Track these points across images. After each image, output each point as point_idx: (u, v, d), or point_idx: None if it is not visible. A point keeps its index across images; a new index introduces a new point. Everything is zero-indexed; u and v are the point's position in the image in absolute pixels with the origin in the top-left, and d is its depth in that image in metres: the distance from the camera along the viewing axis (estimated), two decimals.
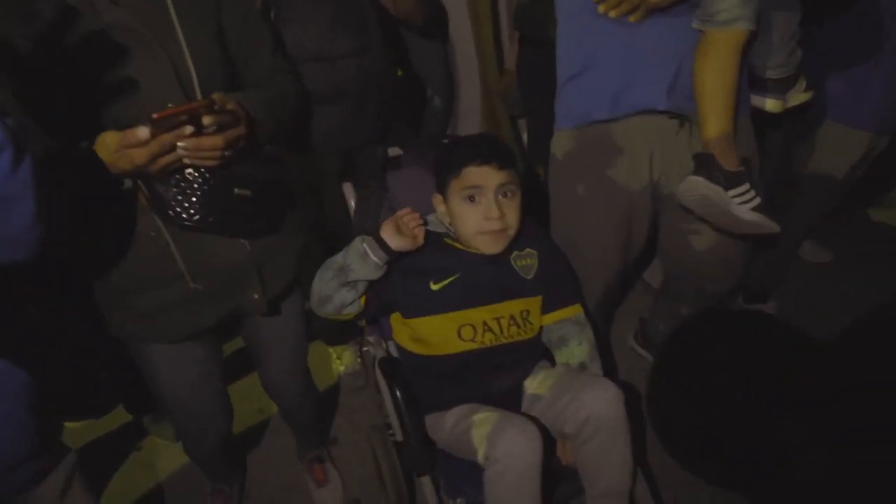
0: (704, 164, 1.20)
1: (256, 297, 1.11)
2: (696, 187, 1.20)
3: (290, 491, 1.64)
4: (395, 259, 1.18)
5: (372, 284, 1.20)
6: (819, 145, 1.68)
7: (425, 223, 1.25)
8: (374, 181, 1.40)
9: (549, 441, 1.25)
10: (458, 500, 1.19)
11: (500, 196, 1.20)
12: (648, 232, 1.46)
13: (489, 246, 1.22)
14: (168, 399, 1.19)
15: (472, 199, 1.20)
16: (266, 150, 1.04)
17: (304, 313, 1.31)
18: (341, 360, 1.98)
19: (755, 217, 1.19)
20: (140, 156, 0.83)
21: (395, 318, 1.31)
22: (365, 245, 1.16)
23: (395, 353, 1.37)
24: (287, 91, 1.08)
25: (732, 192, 1.19)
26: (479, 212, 1.20)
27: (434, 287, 1.23)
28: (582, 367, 1.32)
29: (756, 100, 1.38)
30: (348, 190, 1.45)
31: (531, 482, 1.09)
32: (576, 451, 1.21)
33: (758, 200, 1.20)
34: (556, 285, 1.34)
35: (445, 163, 1.24)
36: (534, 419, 1.18)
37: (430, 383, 1.29)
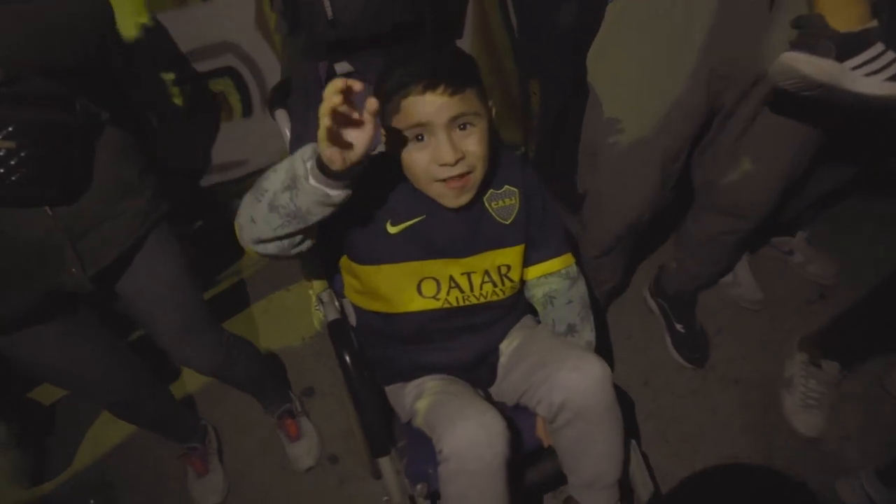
0: (808, 31, 0.81)
1: (74, 271, 0.83)
2: (794, 67, 0.81)
3: (264, 447, 1.46)
4: (359, 173, 0.77)
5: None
6: None
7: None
8: (315, 104, 1.06)
9: (524, 422, 1.01)
10: (419, 487, 0.96)
11: (456, 130, 0.85)
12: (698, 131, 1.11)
13: (451, 199, 0.88)
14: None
15: (419, 137, 0.85)
16: (43, 86, 0.73)
17: (179, 272, 1.01)
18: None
19: (892, 90, 0.79)
20: None
21: (344, 266, 1.03)
22: (319, 186, 0.74)
23: (351, 312, 1.10)
24: (65, 8, 0.74)
25: (853, 62, 0.79)
26: (431, 154, 0.85)
27: (392, 230, 0.93)
28: (570, 330, 1.04)
29: None
30: (282, 117, 1.12)
31: (492, 484, 0.85)
32: (552, 435, 0.97)
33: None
34: (542, 231, 1.02)
35: (380, 92, 0.86)
36: (500, 403, 0.92)
37: (387, 347, 1.03)
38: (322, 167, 0.73)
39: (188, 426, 1.35)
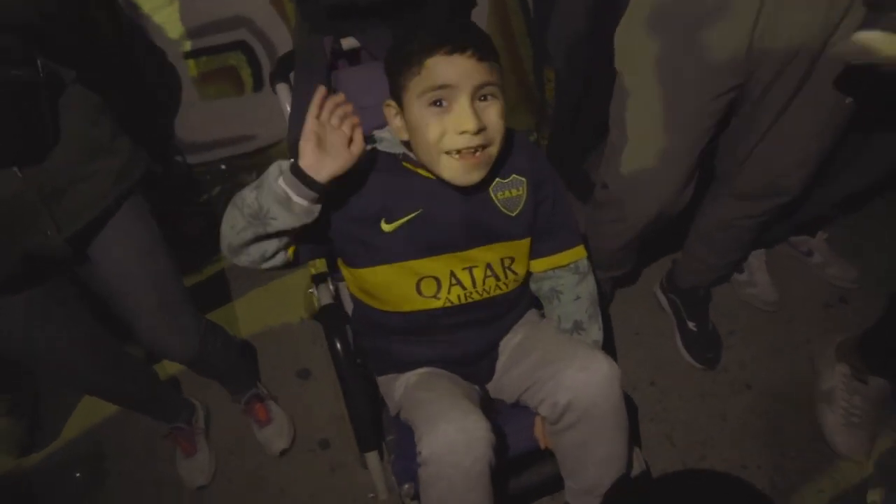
0: (882, 9, 0.78)
1: (49, 234, 0.78)
2: (872, 47, 0.77)
3: (245, 430, 1.37)
4: (330, 190, 0.77)
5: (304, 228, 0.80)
6: None
7: (369, 139, 0.84)
8: (317, 80, 0.97)
9: (523, 421, 0.91)
10: (405, 487, 0.88)
11: (477, 100, 0.77)
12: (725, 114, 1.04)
13: (462, 174, 0.79)
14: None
15: (438, 103, 0.76)
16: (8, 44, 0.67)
17: (153, 245, 0.95)
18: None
19: None
20: None
21: (340, 264, 0.94)
22: (283, 186, 0.73)
23: (346, 298, 1.01)
24: None
25: None
26: (449, 122, 0.76)
27: (386, 228, 0.83)
28: (577, 327, 0.94)
29: None
30: (283, 92, 1.02)
31: (472, 490, 0.77)
32: (553, 437, 0.87)
33: None
34: (551, 223, 0.92)
35: (400, 53, 0.78)
36: (497, 401, 0.83)
37: (383, 339, 0.94)
38: (296, 171, 0.73)
39: (172, 406, 1.28)
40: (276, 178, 0.74)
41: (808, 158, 1.06)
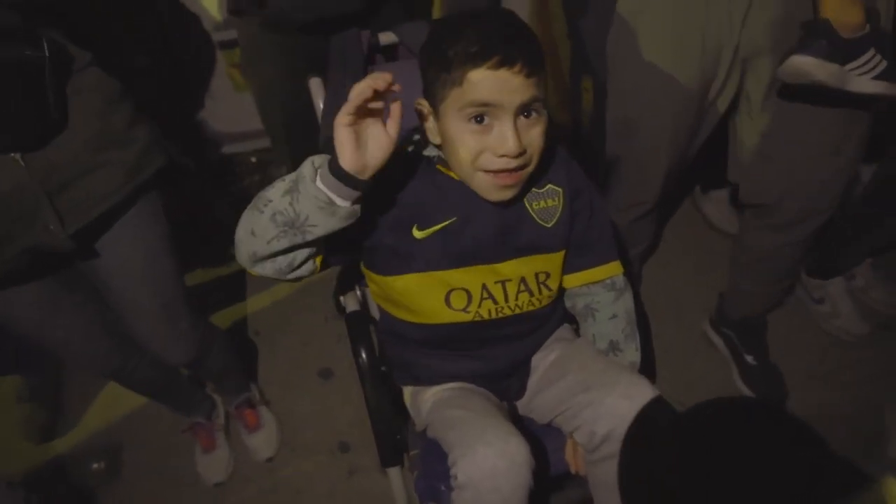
0: (815, 35, 0.83)
1: (52, 228, 0.72)
2: (806, 71, 0.84)
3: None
4: (369, 188, 0.67)
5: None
6: None
7: (405, 139, 0.78)
8: (352, 77, 0.91)
9: (554, 441, 0.86)
10: None
11: (521, 117, 0.69)
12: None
13: (494, 191, 0.73)
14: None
15: (479, 119, 0.69)
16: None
17: (164, 247, 0.89)
18: None
19: (878, 87, 0.85)
20: None
21: (365, 270, 0.88)
22: (325, 189, 0.63)
23: (373, 305, 0.96)
24: None
25: (851, 65, 0.84)
26: (489, 142, 0.69)
27: (419, 235, 0.77)
28: (613, 347, 0.87)
29: None
30: (316, 87, 0.96)
31: None
32: (588, 465, 0.81)
33: (883, 65, 0.85)
34: (587, 235, 0.85)
35: (438, 57, 0.70)
36: (528, 419, 0.77)
37: (408, 350, 0.88)
38: (334, 170, 0.63)
39: (192, 399, 1.24)
40: (313, 180, 0.63)
41: (813, 176, 1.03)
